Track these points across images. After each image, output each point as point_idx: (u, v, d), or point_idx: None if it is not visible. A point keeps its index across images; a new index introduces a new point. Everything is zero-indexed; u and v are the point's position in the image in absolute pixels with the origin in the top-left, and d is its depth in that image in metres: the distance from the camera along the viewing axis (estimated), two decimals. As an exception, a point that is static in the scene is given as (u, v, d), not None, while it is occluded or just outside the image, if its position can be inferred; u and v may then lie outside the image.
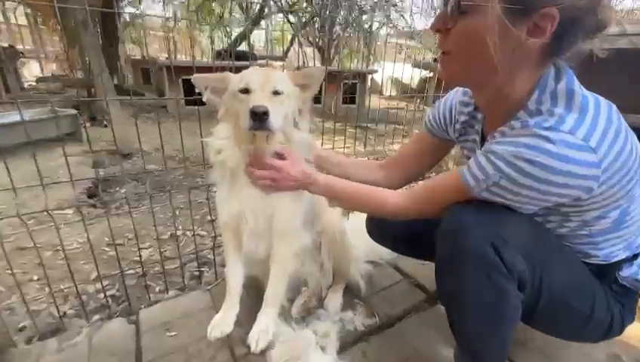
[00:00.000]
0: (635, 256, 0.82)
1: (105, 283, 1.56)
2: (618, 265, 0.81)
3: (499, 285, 0.70)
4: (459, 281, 0.74)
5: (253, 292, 1.25)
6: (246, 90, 0.90)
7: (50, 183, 1.01)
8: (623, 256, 0.81)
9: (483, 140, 0.89)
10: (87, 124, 4.75)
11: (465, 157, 0.99)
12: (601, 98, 0.69)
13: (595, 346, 1.05)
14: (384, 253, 1.53)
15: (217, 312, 1.16)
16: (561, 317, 0.81)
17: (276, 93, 0.91)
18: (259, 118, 0.83)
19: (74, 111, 4.11)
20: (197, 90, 0.99)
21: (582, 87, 0.69)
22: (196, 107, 1.24)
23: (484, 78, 0.73)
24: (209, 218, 2.22)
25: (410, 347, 1.13)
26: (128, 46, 10.67)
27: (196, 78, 0.95)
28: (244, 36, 7.78)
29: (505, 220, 0.71)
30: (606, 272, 0.82)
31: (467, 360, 0.87)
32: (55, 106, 4.27)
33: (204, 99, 0.98)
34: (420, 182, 0.90)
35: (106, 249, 1.91)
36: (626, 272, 0.81)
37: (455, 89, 0.99)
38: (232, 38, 8.35)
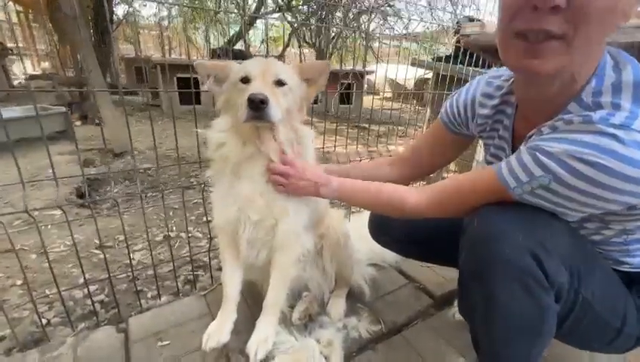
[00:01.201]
0: None
1: (94, 288, 1.48)
2: None
3: (539, 300, 0.62)
4: (490, 294, 0.65)
5: (252, 299, 1.18)
6: (247, 80, 0.85)
7: (28, 182, 0.93)
8: None
9: (514, 138, 0.81)
10: (78, 123, 4.64)
11: (489, 156, 0.91)
12: None
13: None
14: (387, 255, 1.48)
15: (213, 320, 1.07)
16: (591, 330, 0.75)
17: (279, 83, 0.86)
18: (256, 106, 0.77)
19: (64, 109, 4.00)
20: (200, 82, 0.94)
21: None
22: (192, 106, 1.18)
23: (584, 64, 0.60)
24: (205, 219, 2.14)
25: (418, 356, 1.07)
26: (121, 46, 10.51)
27: (198, 64, 0.92)
28: (240, 35, 7.70)
29: (544, 225, 0.62)
30: (637, 280, 0.76)
31: None
32: (46, 104, 4.14)
33: (205, 88, 0.94)
34: (443, 181, 0.81)
35: (96, 251, 1.82)
36: None
37: (477, 78, 0.91)
38: (228, 36, 8.26)
